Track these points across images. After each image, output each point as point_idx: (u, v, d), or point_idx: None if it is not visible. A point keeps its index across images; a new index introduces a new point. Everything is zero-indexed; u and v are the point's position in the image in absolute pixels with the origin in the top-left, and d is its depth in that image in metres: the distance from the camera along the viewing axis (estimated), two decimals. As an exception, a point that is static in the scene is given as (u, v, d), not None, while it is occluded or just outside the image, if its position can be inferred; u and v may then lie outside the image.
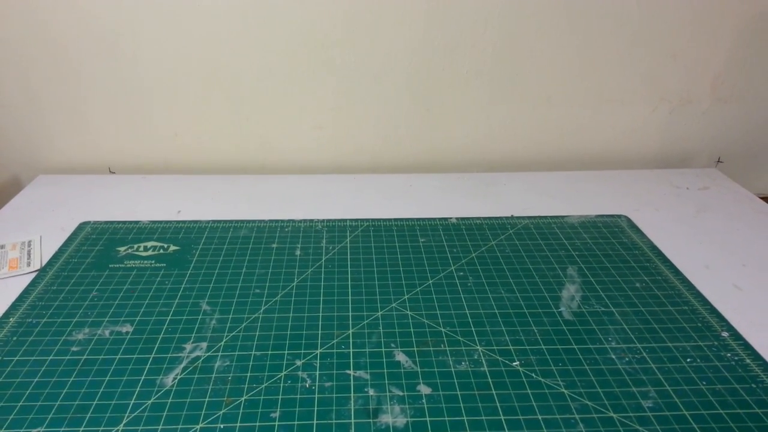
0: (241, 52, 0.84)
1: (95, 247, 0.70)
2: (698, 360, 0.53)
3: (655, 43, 0.85)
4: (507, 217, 0.77)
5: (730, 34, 0.85)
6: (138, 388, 0.50)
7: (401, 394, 0.49)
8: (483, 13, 0.81)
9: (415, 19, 0.81)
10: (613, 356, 0.53)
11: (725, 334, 0.56)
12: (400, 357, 0.53)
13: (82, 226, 0.75)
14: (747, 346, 0.54)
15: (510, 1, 0.81)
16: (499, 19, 0.82)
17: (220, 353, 0.54)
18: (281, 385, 0.50)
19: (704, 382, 0.50)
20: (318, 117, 0.90)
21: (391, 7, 0.80)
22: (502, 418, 0.47)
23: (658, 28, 0.84)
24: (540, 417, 0.47)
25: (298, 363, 0.53)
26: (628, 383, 0.50)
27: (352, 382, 0.50)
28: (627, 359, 0.53)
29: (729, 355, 0.53)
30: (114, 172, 0.93)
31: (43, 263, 0.67)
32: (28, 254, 0.69)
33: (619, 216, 0.77)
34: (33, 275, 0.65)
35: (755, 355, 0.53)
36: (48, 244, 0.71)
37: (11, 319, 0.58)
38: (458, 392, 0.49)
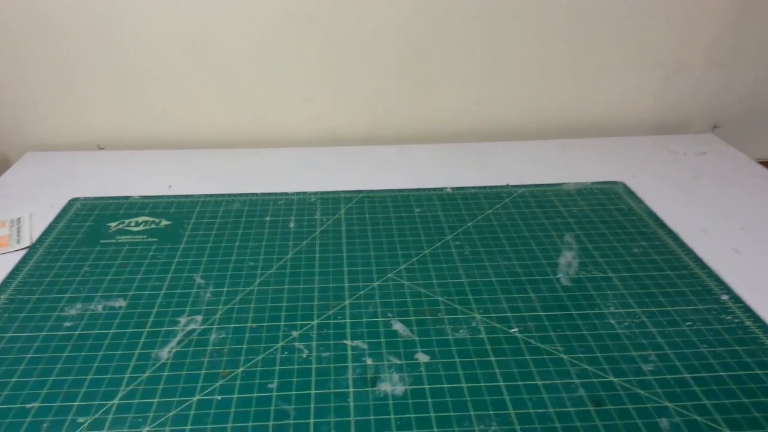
0: (231, 26, 0.82)
1: (86, 223, 0.69)
2: (698, 323, 0.52)
3: (649, 7, 0.84)
4: (503, 186, 0.76)
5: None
6: (133, 362, 0.49)
7: (399, 362, 0.49)
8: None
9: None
10: (612, 321, 0.53)
11: (724, 297, 0.55)
12: (398, 326, 0.53)
13: (72, 203, 0.74)
14: (746, 309, 0.54)
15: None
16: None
17: (215, 326, 0.53)
18: (278, 356, 0.50)
19: (705, 345, 0.50)
20: (309, 89, 0.88)
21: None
22: (501, 384, 0.46)
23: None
24: (540, 382, 0.46)
25: (295, 334, 0.52)
26: (627, 347, 0.50)
27: (349, 352, 0.50)
28: (626, 324, 0.52)
29: (729, 318, 0.53)
30: (103, 149, 0.91)
31: (33, 240, 0.66)
32: (18, 231, 0.68)
33: (616, 183, 0.76)
34: (23, 252, 0.64)
35: (755, 318, 0.53)
36: (38, 221, 0.70)
37: (2, 296, 0.57)
38: (456, 360, 0.49)
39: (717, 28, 0.86)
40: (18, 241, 0.66)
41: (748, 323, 0.52)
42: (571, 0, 0.82)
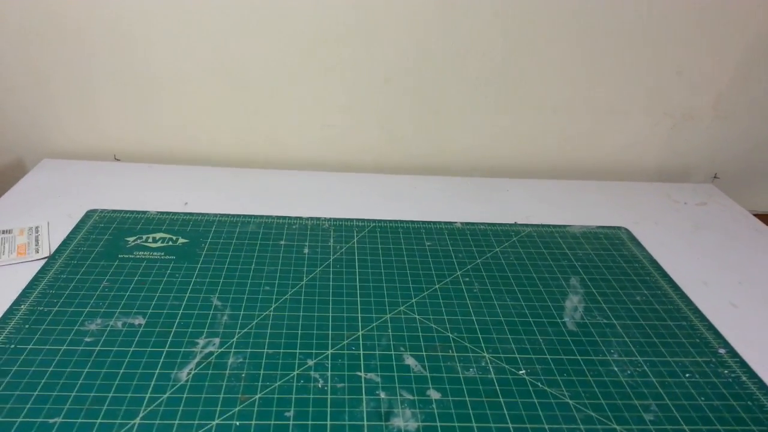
0: (251, 47, 0.84)
1: (104, 236, 0.70)
2: (697, 376, 0.55)
3: (661, 58, 0.87)
4: (511, 224, 0.78)
5: (736, 51, 0.87)
6: (153, 382, 0.51)
7: (411, 398, 0.51)
8: (493, 21, 0.82)
9: (426, 23, 0.82)
10: (616, 368, 0.55)
11: (722, 350, 0.58)
12: (410, 361, 0.55)
13: (89, 214, 0.75)
14: (743, 364, 0.56)
15: (520, 11, 0.82)
16: (508, 28, 0.83)
17: (233, 349, 0.55)
18: (294, 384, 0.51)
19: (702, 398, 0.52)
20: (326, 115, 0.90)
21: (403, 10, 0.81)
22: (510, 426, 0.48)
23: (664, 44, 0.85)
24: (547, 426, 0.48)
25: (310, 363, 0.54)
26: (630, 396, 0.52)
27: (363, 384, 0.52)
28: (629, 372, 0.54)
29: (726, 372, 0.55)
30: (119, 159, 0.93)
31: (52, 250, 0.68)
32: (36, 240, 0.69)
33: (619, 228, 0.79)
34: (41, 262, 0.66)
35: (750, 373, 0.55)
36: (55, 230, 0.71)
37: (22, 307, 0.58)
38: (467, 398, 0.51)
39: (726, 82, 0.89)
40: (37, 251, 0.67)
41: (744, 378, 0.54)
42: (587, 46, 0.85)
